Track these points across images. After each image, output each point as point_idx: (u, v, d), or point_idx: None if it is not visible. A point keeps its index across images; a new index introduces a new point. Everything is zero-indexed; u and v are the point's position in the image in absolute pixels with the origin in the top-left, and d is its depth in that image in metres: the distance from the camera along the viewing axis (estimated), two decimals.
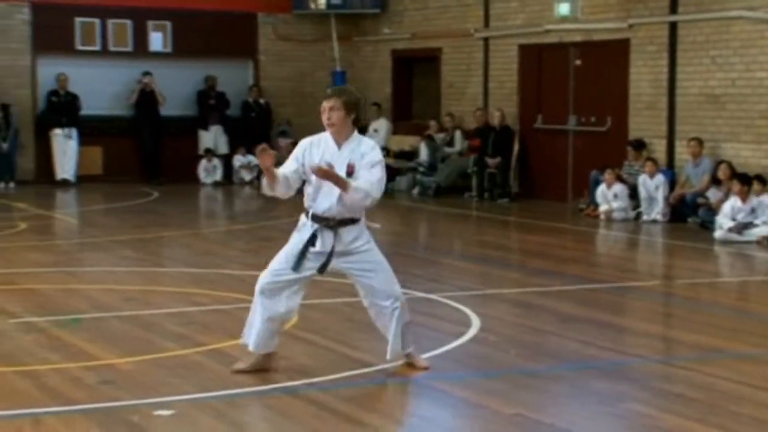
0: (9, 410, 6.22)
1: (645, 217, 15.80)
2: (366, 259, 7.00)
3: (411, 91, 22.39)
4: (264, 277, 6.99)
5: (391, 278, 7.12)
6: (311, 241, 6.86)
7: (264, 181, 6.94)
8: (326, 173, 6.68)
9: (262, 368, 7.00)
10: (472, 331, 8.40)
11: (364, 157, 6.88)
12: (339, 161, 6.85)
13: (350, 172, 6.82)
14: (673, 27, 16.44)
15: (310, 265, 6.91)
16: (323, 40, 22.68)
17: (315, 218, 6.87)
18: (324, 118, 6.95)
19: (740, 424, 6.03)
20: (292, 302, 7.01)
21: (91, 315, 9.03)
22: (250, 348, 7.00)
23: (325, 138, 7.00)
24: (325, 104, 6.93)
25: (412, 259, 12.88)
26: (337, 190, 6.75)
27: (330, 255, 6.88)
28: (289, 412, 6.31)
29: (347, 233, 6.91)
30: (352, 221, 6.92)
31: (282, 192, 6.90)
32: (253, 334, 6.98)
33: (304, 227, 6.93)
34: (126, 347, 7.83)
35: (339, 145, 6.93)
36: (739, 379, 7.01)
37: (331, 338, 8.17)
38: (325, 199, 6.84)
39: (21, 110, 20.93)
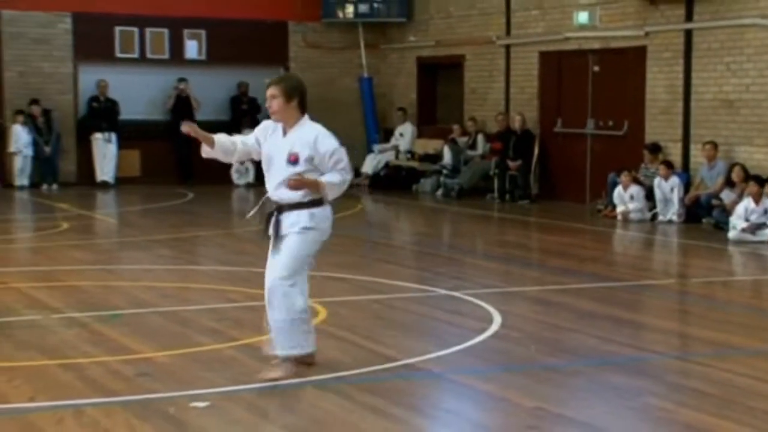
0: (52, 401, 6.26)
1: (661, 218, 15.72)
2: (287, 240, 6.72)
3: (435, 97, 22.36)
4: None
5: (283, 260, 6.68)
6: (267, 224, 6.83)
7: (202, 145, 7.13)
8: (297, 183, 6.62)
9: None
10: (494, 328, 8.38)
11: (318, 149, 6.70)
12: (282, 148, 6.76)
13: (292, 160, 6.69)
14: (688, 34, 16.36)
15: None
16: (351, 48, 22.69)
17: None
18: (267, 106, 6.86)
19: (755, 418, 5.98)
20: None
21: (129, 311, 9.07)
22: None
23: (281, 125, 6.88)
24: (267, 93, 6.81)
25: (436, 258, 12.87)
26: (279, 177, 6.71)
27: (276, 238, 6.76)
28: (319, 404, 6.32)
29: (287, 218, 6.74)
30: (298, 206, 6.71)
31: (220, 155, 7.09)
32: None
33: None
34: (163, 342, 7.86)
35: (285, 132, 6.83)
36: (754, 374, 6.97)
37: (360, 334, 8.17)
38: (269, 183, 6.83)
39: (63, 115, 21.02)
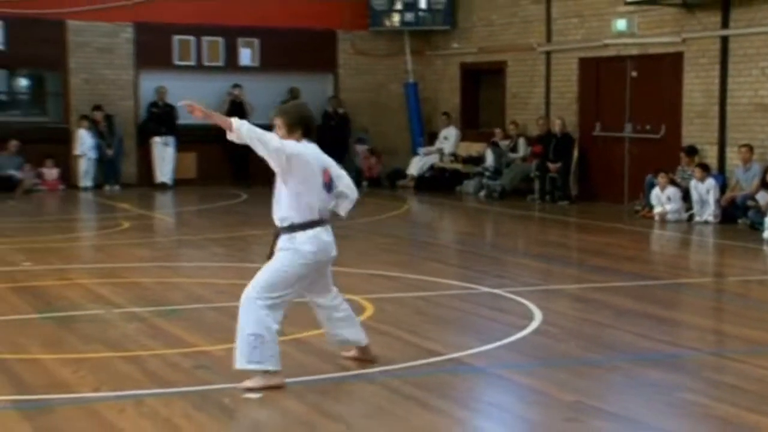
0: (115, 391, 6.32)
1: (697, 219, 15.59)
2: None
3: (478, 101, 22.32)
4: None
5: (257, 280, 6.50)
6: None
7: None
8: (193, 109, 6.66)
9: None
10: (534, 324, 8.35)
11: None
12: None
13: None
14: (724, 41, 16.22)
15: None
16: (397, 55, 22.69)
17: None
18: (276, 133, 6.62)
19: None
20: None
21: (186, 306, 9.14)
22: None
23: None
24: (276, 121, 6.67)
25: (479, 257, 12.86)
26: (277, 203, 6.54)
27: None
28: (366, 397, 6.33)
29: (281, 241, 6.54)
30: (287, 229, 6.49)
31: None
32: None
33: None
34: (218, 335, 7.88)
35: None
36: None
37: (405, 330, 8.17)
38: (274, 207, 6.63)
39: (124, 120, 21.23)
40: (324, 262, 6.67)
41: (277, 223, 6.56)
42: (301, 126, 6.58)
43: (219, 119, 6.63)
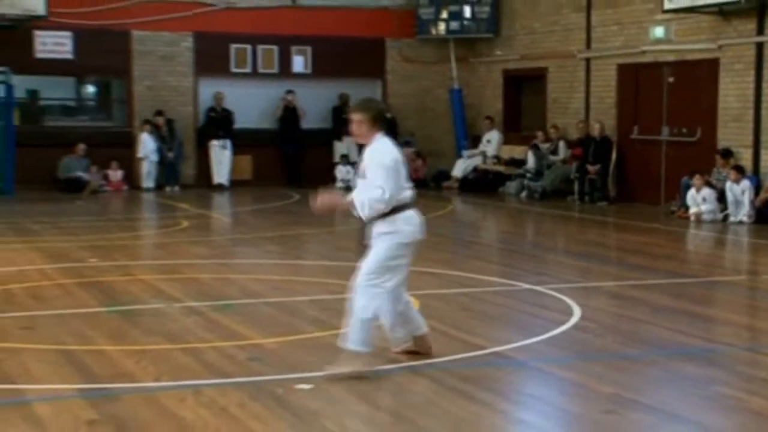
0: (174, 381, 6.39)
1: (732, 219, 15.42)
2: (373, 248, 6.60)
3: (520, 106, 22.22)
4: None
5: (364, 265, 6.59)
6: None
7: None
8: (323, 205, 6.77)
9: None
10: (574, 320, 8.31)
11: (372, 159, 6.53)
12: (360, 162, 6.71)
13: (362, 173, 6.62)
14: (759, 47, 16.03)
15: None
16: (443, 62, 22.66)
17: None
18: (352, 128, 6.67)
19: None
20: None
21: (241, 301, 9.19)
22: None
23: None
24: (353, 117, 6.60)
25: (521, 255, 12.82)
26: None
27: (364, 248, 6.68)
28: (412, 388, 6.33)
29: (369, 229, 6.63)
30: (386, 214, 6.51)
31: None
32: None
33: None
34: (271, 329, 7.94)
35: (363, 148, 6.73)
36: None
37: (449, 324, 8.16)
38: None
39: (184, 124, 21.38)
40: (418, 242, 6.74)
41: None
42: (382, 120, 6.61)
43: (338, 204, 6.88)
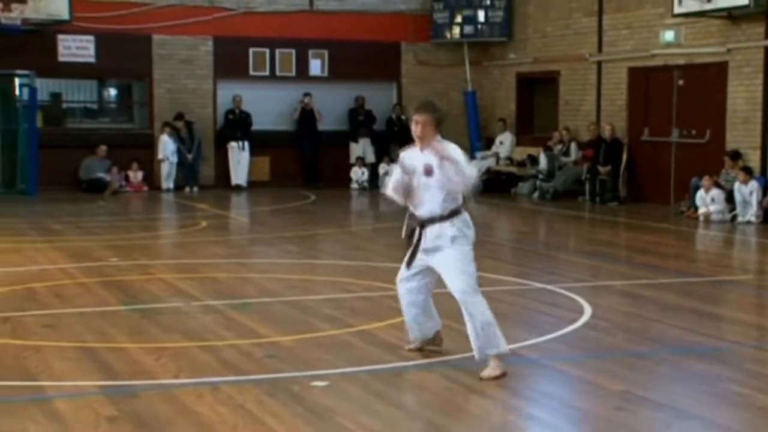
0: (193, 378, 6.39)
1: (740, 219, 15.36)
2: (442, 256, 6.56)
3: (532, 108, 22.18)
4: None
5: (458, 276, 6.54)
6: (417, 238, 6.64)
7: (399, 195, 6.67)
8: (438, 150, 6.46)
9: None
10: (584, 318, 8.28)
11: (453, 150, 6.52)
12: (419, 161, 6.56)
13: (427, 171, 6.49)
14: (767, 51, 15.96)
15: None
16: (457, 65, 22.64)
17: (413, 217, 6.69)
18: (415, 129, 6.56)
19: None
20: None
21: (259, 300, 9.20)
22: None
23: (412, 148, 6.71)
24: (416, 118, 6.52)
25: (532, 255, 12.79)
26: (429, 194, 6.50)
27: (415, 250, 6.65)
28: (426, 385, 6.33)
29: (430, 230, 6.54)
30: (440, 219, 6.51)
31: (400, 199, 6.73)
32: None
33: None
34: (288, 327, 7.95)
35: (421, 149, 6.61)
36: None
37: (463, 322, 8.10)
38: (414, 200, 6.64)
39: (204, 126, 21.43)
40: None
41: (427, 215, 6.53)
42: (442, 121, 6.62)
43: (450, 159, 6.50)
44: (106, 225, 15.22)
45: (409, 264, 6.75)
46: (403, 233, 6.77)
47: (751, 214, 15.22)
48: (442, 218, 6.53)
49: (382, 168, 21.86)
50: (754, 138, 16.22)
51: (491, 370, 6.39)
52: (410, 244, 6.69)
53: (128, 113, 22.04)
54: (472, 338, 6.50)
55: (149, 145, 20.97)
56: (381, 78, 22.48)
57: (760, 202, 15.22)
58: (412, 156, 6.65)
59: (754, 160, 16.15)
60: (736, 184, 15.45)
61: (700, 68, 17.23)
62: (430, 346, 7.05)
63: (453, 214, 6.55)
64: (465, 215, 6.66)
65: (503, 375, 6.37)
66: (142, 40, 20.81)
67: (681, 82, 17.70)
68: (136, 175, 20.73)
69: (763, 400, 5.91)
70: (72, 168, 20.26)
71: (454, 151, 6.51)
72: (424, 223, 6.57)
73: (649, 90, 18.41)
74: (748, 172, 15.50)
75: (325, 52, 22.06)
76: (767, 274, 11.60)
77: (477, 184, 6.64)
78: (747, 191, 15.32)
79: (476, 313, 6.47)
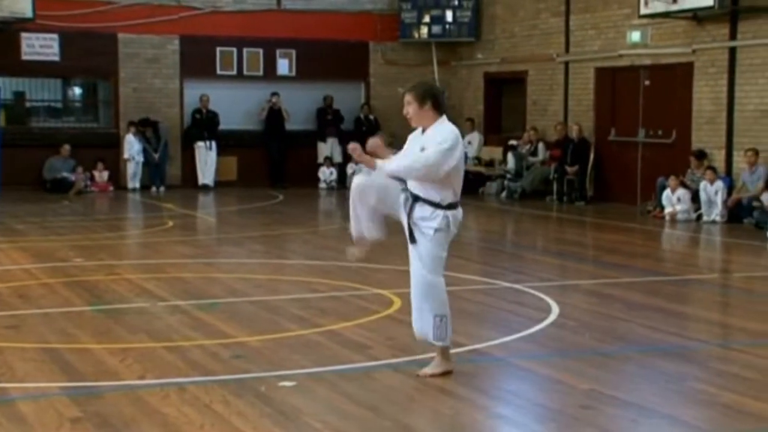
0: (159, 379, 6.34)
1: (705, 219, 15.49)
2: (420, 240, 6.37)
3: (500, 108, 22.24)
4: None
5: (424, 269, 6.43)
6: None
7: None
8: (354, 151, 6.43)
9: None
10: (552, 317, 8.31)
11: (435, 139, 6.28)
12: (418, 143, 6.41)
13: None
14: (732, 52, 16.10)
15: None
16: (425, 65, 22.65)
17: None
18: (404, 113, 6.50)
19: None
20: None
21: (226, 300, 9.15)
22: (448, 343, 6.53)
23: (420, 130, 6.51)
24: (404, 100, 6.47)
25: (500, 254, 12.83)
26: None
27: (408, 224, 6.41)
28: (395, 384, 6.32)
29: (419, 209, 6.32)
30: (426, 201, 6.30)
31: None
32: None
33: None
34: (255, 327, 7.92)
35: (423, 131, 6.46)
36: None
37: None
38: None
39: (170, 126, 21.31)
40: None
41: (412, 189, 6.41)
42: (431, 97, 6.39)
43: (367, 161, 6.45)
44: (71, 225, 15.09)
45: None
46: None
47: (716, 213, 15.35)
48: (422, 201, 6.33)
49: (350, 168, 21.86)
50: (719, 138, 16.35)
51: (430, 368, 6.42)
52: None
53: (93, 112, 21.88)
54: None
55: (115, 144, 20.83)
56: (349, 77, 22.46)
57: (724, 202, 15.36)
58: (413, 138, 6.56)
59: (719, 160, 16.28)
60: (702, 184, 15.58)
61: (666, 69, 17.35)
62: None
63: (432, 204, 6.31)
64: (447, 212, 6.34)
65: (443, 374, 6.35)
66: (108, 38, 20.68)
67: (647, 83, 17.81)
68: (102, 175, 20.59)
69: (727, 398, 5.95)
70: (36, 167, 20.09)
71: (439, 135, 6.29)
72: (414, 198, 6.38)
73: (616, 90, 18.51)
74: (714, 171, 15.63)
75: (293, 52, 22.00)
76: (732, 272, 11.69)
77: (420, 171, 6.24)
78: (712, 191, 15.45)
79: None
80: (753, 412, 5.70)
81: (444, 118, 6.44)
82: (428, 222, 6.34)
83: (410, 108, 6.42)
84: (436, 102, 6.40)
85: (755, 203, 14.86)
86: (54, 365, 6.72)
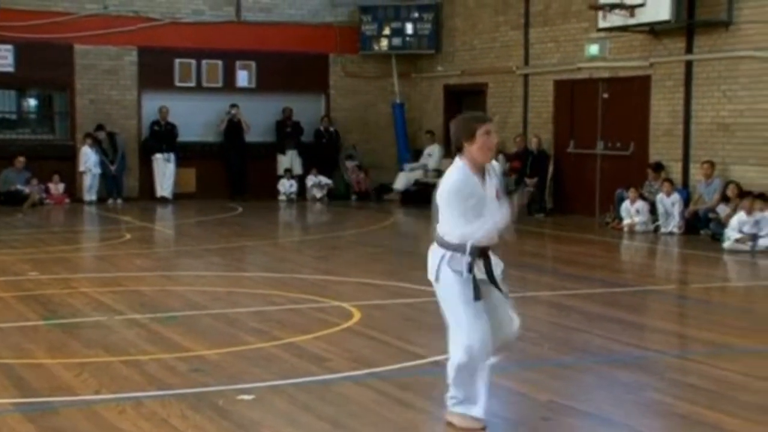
0: (115, 394, 6.28)
1: (663, 230, 15.64)
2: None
3: None
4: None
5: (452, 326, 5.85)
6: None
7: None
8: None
9: None
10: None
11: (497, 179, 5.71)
12: (491, 187, 5.74)
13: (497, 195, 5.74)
14: (688, 65, 16.29)
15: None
16: (385, 77, 22.72)
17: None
18: (491, 140, 5.55)
19: (746, 410, 5.94)
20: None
21: (184, 312, 9.09)
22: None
23: (468, 168, 5.66)
24: (490, 127, 5.55)
25: None
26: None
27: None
28: (353, 397, 6.30)
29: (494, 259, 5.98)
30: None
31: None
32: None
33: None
34: (213, 340, 7.87)
35: (484, 171, 5.69)
36: (746, 371, 6.91)
37: (391, 334, 8.15)
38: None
39: (128, 137, 21.19)
40: None
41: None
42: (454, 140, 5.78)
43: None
44: (25, 238, 14.94)
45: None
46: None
47: (673, 225, 15.50)
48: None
49: (310, 180, 21.87)
50: (676, 150, 16.53)
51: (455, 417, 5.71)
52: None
53: (49, 124, 21.69)
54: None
55: (71, 156, 20.68)
56: (309, 89, 22.46)
57: (682, 213, 15.52)
58: (476, 183, 5.75)
59: (676, 172, 16.45)
60: (659, 196, 15.74)
61: (624, 81, 17.51)
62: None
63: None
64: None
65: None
66: (64, 49, 20.54)
67: (605, 95, 17.97)
68: (58, 187, 20.40)
69: (684, 408, 6.00)
70: None
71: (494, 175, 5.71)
72: (485, 251, 5.88)
73: (575, 103, 18.66)
74: (671, 183, 15.80)
75: (253, 63, 21.97)
76: (689, 283, 11.81)
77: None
78: (669, 203, 15.61)
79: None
80: (708, 422, 5.75)
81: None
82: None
83: (493, 138, 5.58)
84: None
85: (711, 215, 15.02)
86: (7, 381, 6.63)
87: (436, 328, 8.60)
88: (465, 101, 22.08)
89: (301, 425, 5.67)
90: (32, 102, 22.08)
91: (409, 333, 8.25)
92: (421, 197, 20.79)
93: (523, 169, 18.77)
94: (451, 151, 19.01)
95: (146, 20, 21.11)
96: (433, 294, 10.18)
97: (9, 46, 20.22)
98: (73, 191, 20.59)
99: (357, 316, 8.75)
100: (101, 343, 7.75)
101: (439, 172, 21.23)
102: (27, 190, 19.79)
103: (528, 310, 9.29)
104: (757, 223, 13.71)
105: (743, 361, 7.30)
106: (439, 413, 6.01)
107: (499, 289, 5.94)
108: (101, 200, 20.51)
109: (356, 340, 7.78)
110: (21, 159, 19.99)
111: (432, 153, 21.73)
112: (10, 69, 20.32)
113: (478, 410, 5.57)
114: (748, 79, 15.35)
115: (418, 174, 21.62)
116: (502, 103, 20.40)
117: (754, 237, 13.61)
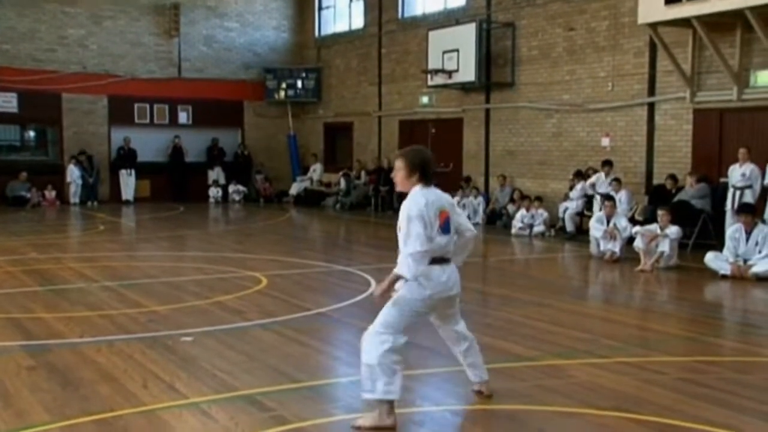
0: (94, 338, 6.12)
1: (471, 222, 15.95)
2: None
3: (335, 147, 22.32)
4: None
5: (381, 318, 4.44)
6: None
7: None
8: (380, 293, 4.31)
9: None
10: (370, 289, 8.35)
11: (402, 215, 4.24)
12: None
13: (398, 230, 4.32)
14: (487, 111, 16.69)
15: None
16: (283, 117, 22.52)
17: None
18: (392, 176, 4.51)
19: (525, 339, 6.05)
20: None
21: (143, 281, 8.87)
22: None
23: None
24: (395, 163, 4.40)
25: (335, 247, 12.88)
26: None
27: None
28: (263, 338, 6.27)
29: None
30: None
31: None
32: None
33: None
34: (163, 300, 7.70)
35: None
36: (526, 315, 7.01)
37: (288, 294, 8.13)
38: None
39: (101, 158, 20.46)
40: (441, 299, 4.40)
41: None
42: (420, 169, 4.34)
43: (389, 281, 4.30)
44: (28, 229, 14.27)
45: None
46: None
47: (478, 218, 15.80)
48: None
49: (231, 188, 21.54)
50: (480, 168, 16.93)
51: (365, 419, 4.20)
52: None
53: (44, 149, 20.73)
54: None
55: (60, 172, 19.84)
56: (230, 125, 22.11)
57: (484, 210, 15.88)
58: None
59: (480, 182, 16.84)
60: (468, 199, 16.07)
61: (446, 122, 17.81)
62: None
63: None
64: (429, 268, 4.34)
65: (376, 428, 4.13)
66: (54, 97, 19.71)
67: (433, 131, 18.24)
68: (51, 194, 19.55)
69: (486, 341, 6.09)
70: (0, 189, 18.88)
71: (407, 206, 4.27)
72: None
73: (413, 136, 18.81)
74: (478, 190, 16.15)
75: (190, 107, 21.49)
76: (489, 257, 12.02)
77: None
78: (476, 203, 15.97)
79: (364, 353, 4.35)
80: (502, 348, 5.85)
81: (419, 186, 4.38)
82: None
83: (399, 174, 4.34)
84: (424, 172, 4.37)
85: (503, 211, 15.42)
86: (15, 329, 6.37)
87: (319, 289, 8.65)
88: (338, 135, 22.12)
89: (227, 358, 5.62)
90: (31, 133, 21.02)
91: (301, 293, 8.23)
92: (309, 200, 20.79)
93: (378, 180, 18.88)
94: (328, 168, 18.61)
95: (114, 77, 20.41)
96: (317, 266, 10.19)
97: (14, 94, 19.31)
98: (62, 196, 19.76)
99: (265, 282, 8.69)
100: (83, 302, 7.52)
101: (321, 183, 21.24)
102: (28, 195, 18.94)
103: (383, 275, 9.38)
104: (532, 216, 14.15)
105: (524, 308, 7.48)
106: (322, 348, 6.03)
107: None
108: (82, 203, 19.79)
109: (264, 298, 7.73)
110: (23, 174, 19.13)
111: (316, 169, 21.67)
112: (15, 110, 19.40)
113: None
114: (525, 121, 15.83)
115: (306, 184, 21.54)
116: (364, 136, 20.50)
117: (531, 226, 14.04)
